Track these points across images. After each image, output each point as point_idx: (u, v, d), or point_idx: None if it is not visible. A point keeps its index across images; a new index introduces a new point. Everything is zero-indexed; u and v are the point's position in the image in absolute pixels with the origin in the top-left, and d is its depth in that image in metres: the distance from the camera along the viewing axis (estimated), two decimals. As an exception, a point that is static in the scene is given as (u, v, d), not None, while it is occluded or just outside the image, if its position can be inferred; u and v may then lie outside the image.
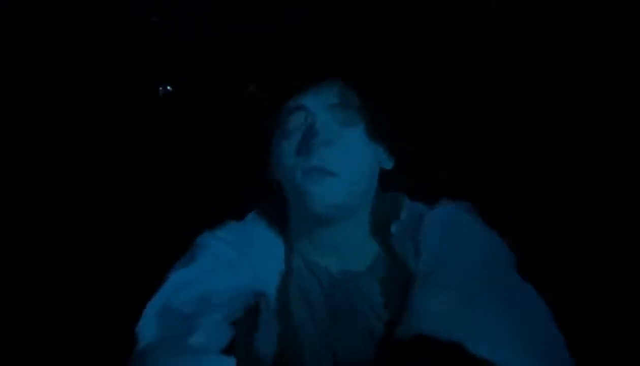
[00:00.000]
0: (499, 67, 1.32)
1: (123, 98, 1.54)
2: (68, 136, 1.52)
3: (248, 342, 0.79)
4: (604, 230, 1.20)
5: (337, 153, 0.81)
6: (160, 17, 1.44)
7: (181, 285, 0.81)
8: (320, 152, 0.80)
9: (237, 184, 1.31)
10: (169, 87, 1.31)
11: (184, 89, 1.54)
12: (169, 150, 1.55)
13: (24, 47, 1.45)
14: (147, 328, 0.77)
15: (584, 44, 1.25)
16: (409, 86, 1.35)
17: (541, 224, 1.24)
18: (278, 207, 0.92)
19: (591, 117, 1.25)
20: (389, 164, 0.89)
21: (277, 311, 0.82)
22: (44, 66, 1.48)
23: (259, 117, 0.92)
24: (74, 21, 1.47)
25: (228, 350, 0.74)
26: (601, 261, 1.20)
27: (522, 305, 0.75)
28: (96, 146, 1.53)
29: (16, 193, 1.48)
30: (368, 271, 0.86)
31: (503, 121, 1.31)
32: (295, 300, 0.84)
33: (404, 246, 0.85)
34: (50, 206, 1.50)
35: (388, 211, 0.89)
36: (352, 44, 1.35)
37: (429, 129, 1.35)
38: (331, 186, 0.80)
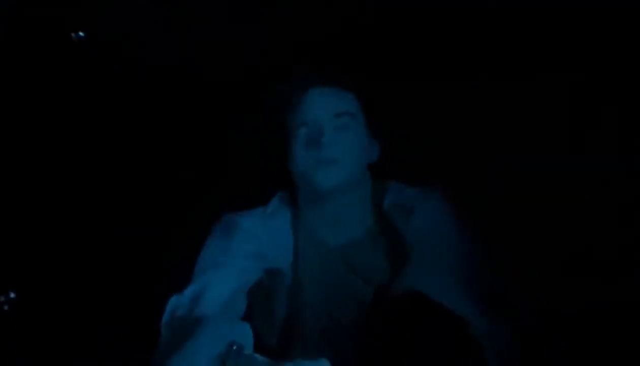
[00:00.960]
0: (499, 69, 1.32)
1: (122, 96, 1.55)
2: (70, 135, 1.52)
3: (264, 309, 1.00)
4: (603, 230, 1.21)
5: (340, 145, 1.00)
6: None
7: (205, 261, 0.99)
8: (327, 146, 0.98)
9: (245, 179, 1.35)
10: (81, 33, 1.38)
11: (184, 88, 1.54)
12: (169, 149, 1.55)
13: (23, 47, 1.45)
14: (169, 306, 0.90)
15: (582, 46, 1.25)
16: (409, 86, 1.36)
17: (541, 224, 1.25)
18: (291, 191, 1.10)
19: (591, 117, 1.26)
20: (374, 157, 1.09)
21: (289, 287, 1.01)
22: (44, 65, 1.48)
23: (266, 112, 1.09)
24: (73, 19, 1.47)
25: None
26: (600, 261, 1.20)
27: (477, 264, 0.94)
28: (97, 145, 1.53)
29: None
30: (361, 243, 1.03)
31: (503, 121, 1.31)
32: (304, 278, 1.02)
33: (394, 221, 1.02)
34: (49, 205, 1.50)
35: (380, 194, 1.07)
36: (357, 45, 1.37)
37: (428, 129, 1.35)
38: (334, 172, 0.99)
